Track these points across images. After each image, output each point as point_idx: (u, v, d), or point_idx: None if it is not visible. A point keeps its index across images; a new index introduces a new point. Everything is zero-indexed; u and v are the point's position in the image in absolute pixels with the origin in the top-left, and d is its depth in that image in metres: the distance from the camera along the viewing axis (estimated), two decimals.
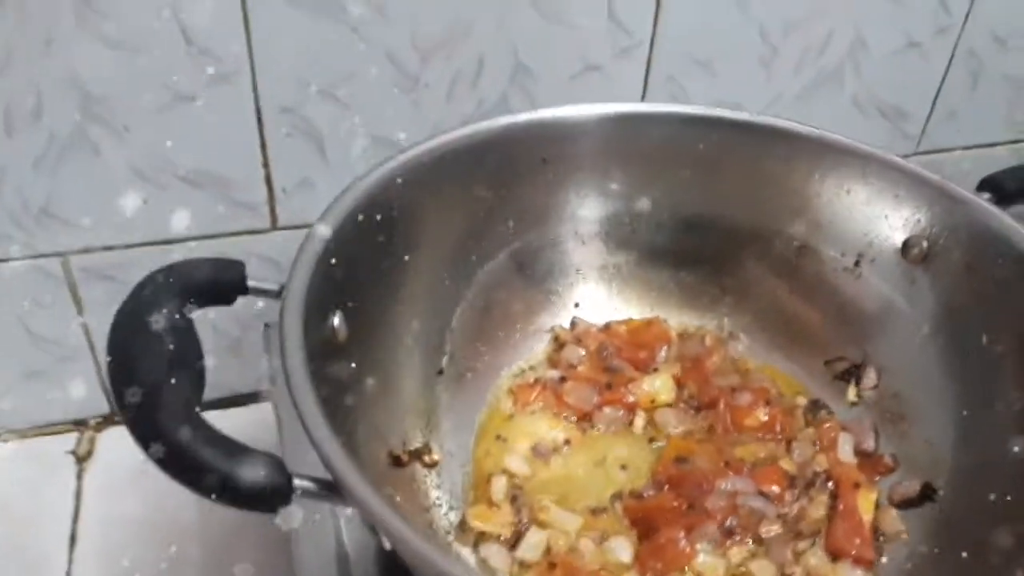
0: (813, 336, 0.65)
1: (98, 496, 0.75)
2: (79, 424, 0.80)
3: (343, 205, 0.51)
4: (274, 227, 0.76)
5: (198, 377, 0.40)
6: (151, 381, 0.37)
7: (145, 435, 0.36)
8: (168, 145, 0.69)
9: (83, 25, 0.61)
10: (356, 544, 0.54)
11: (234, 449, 0.37)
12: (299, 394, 0.39)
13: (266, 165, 0.72)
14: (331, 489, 0.39)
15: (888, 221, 0.62)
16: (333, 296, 0.50)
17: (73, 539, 0.72)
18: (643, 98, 0.79)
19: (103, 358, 0.78)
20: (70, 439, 0.79)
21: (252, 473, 0.37)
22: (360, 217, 0.52)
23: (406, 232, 0.57)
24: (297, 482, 0.39)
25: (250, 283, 0.47)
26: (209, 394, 0.80)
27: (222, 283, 0.46)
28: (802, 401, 0.62)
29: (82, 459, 0.78)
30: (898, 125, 0.89)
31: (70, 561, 0.70)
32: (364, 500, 0.36)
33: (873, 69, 0.84)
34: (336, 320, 0.50)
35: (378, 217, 0.54)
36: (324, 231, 0.47)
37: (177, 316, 0.40)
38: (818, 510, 0.55)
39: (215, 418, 0.70)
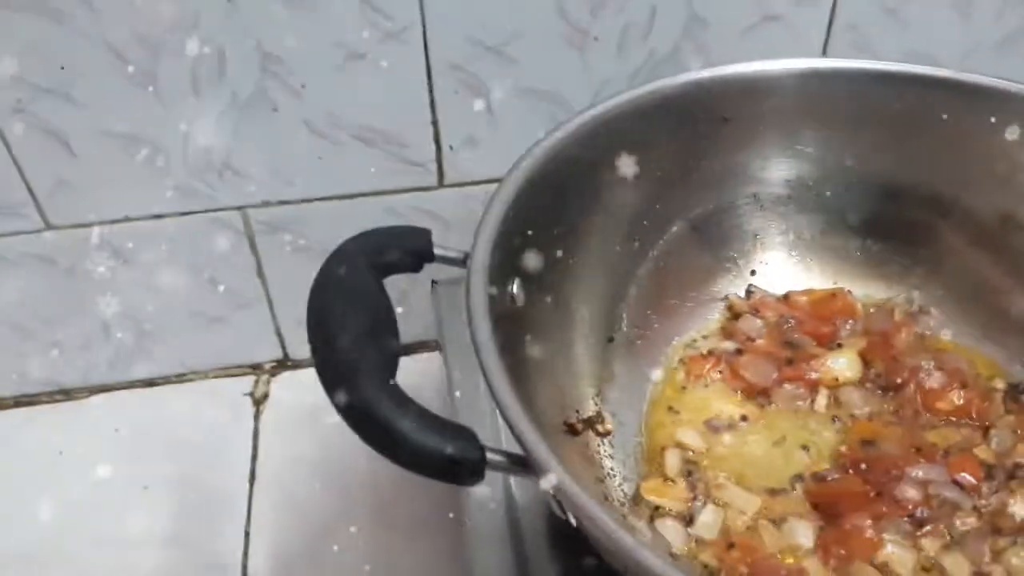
0: (1016, 314, 0.60)
1: (274, 437, 0.79)
2: (255, 368, 0.84)
3: (521, 171, 0.50)
4: (441, 184, 0.76)
5: (394, 349, 0.40)
6: (351, 352, 0.37)
7: (342, 397, 0.37)
8: (342, 103, 0.69)
9: None
10: (527, 507, 0.54)
11: (432, 423, 0.38)
12: (492, 374, 0.39)
13: (435, 123, 0.72)
14: (523, 464, 0.39)
15: None
16: (512, 263, 0.49)
17: (252, 476, 0.76)
18: (824, 50, 0.74)
19: (279, 307, 0.81)
20: (247, 382, 0.83)
21: (450, 447, 0.37)
22: (537, 182, 0.51)
23: (581, 197, 0.55)
24: (490, 456, 0.39)
25: (436, 251, 0.47)
26: None
27: (411, 251, 0.46)
28: (1001, 385, 0.58)
29: (258, 401, 0.82)
30: None
31: (250, 496, 0.74)
32: (561, 482, 0.36)
33: None
34: (515, 287, 0.50)
35: (554, 182, 0.53)
36: (504, 198, 0.46)
37: (373, 283, 0.41)
38: (1020, 506, 0.51)
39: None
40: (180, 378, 0.84)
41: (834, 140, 0.61)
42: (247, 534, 0.72)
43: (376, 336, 0.39)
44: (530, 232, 0.51)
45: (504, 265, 0.48)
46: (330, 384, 0.38)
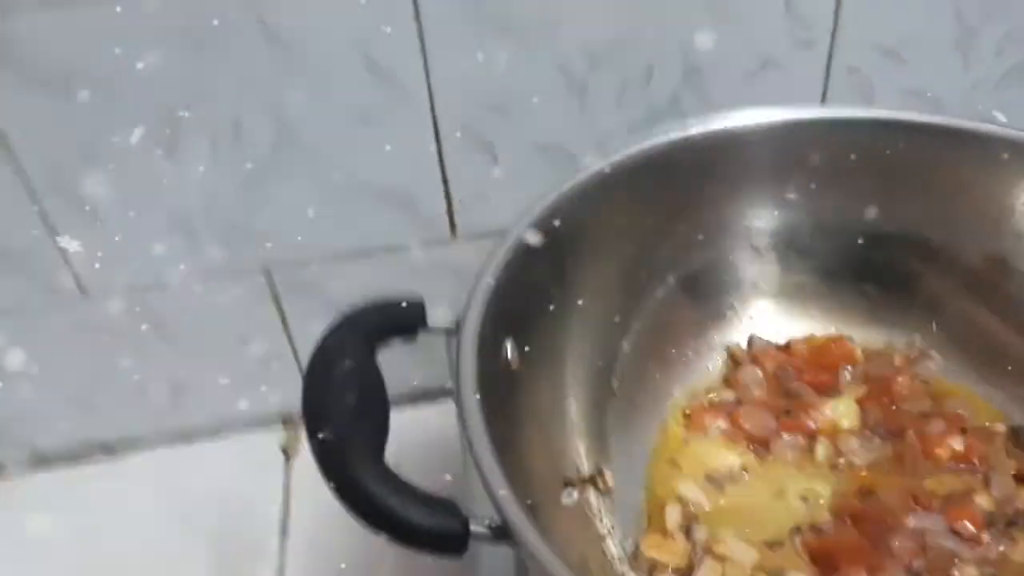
0: (1016, 357, 0.60)
1: (305, 491, 0.81)
2: (286, 422, 0.87)
3: (512, 238, 0.52)
4: (454, 236, 0.78)
5: (383, 424, 0.42)
6: (339, 428, 0.40)
7: (333, 478, 0.39)
8: (355, 163, 0.72)
9: (275, 62, 0.65)
10: None
11: (415, 499, 0.40)
12: (476, 443, 0.41)
13: (445, 180, 0.75)
14: (506, 535, 0.40)
15: None
16: (505, 326, 0.51)
17: (284, 531, 0.78)
18: (824, 93, 0.75)
19: (302, 358, 0.84)
20: (278, 435, 0.86)
21: (429, 520, 0.39)
22: (530, 243, 0.53)
23: (575, 257, 0.57)
24: (474, 528, 0.41)
25: (430, 323, 0.49)
26: (398, 389, 0.87)
27: (403, 324, 0.48)
28: (1002, 428, 0.58)
29: (290, 455, 0.84)
30: None
31: (282, 551, 0.77)
32: (539, 555, 0.37)
33: None
34: (508, 349, 0.51)
35: (547, 243, 0.55)
36: (493, 272, 0.48)
37: (366, 364, 0.43)
38: (1022, 554, 0.51)
39: (408, 414, 0.74)
40: (214, 435, 0.87)
41: (825, 188, 0.62)
42: None
43: (366, 416, 0.41)
44: (524, 293, 0.53)
45: (497, 330, 0.50)
46: (323, 467, 0.40)
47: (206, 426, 0.86)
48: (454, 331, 0.49)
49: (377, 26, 0.66)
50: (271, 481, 0.82)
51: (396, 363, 0.84)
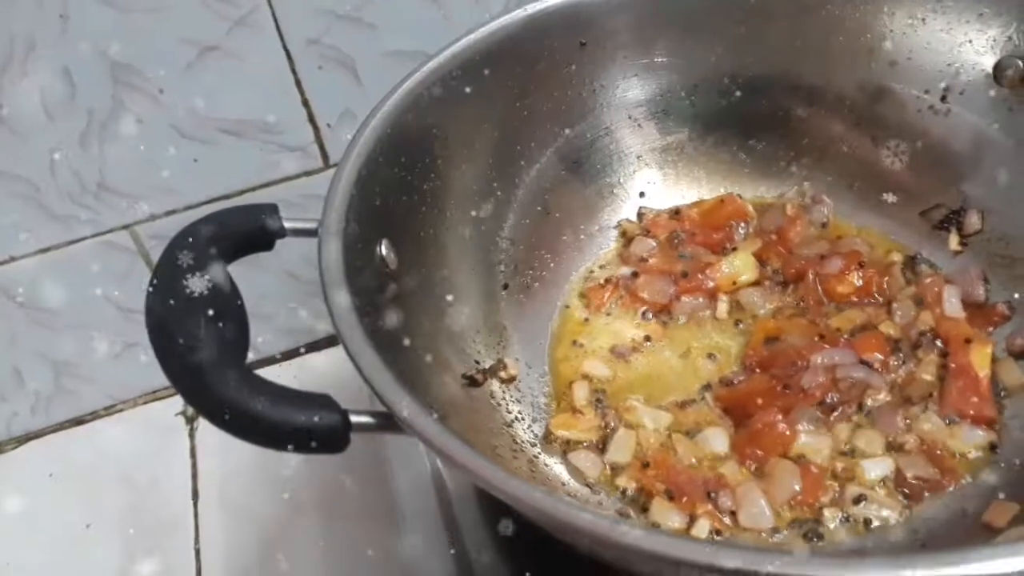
0: (904, 186, 0.59)
1: (211, 452, 0.77)
2: None
3: (370, 132, 0.49)
4: (327, 165, 0.74)
5: (241, 333, 0.39)
6: (192, 349, 0.36)
7: (197, 403, 0.36)
8: (205, 99, 0.67)
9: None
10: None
11: (285, 397, 0.37)
12: (344, 329, 0.38)
13: (306, 104, 0.71)
14: (389, 420, 0.37)
15: (973, 46, 0.55)
16: (375, 226, 0.48)
17: (195, 494, 0.74)
18: None
19: None
20: (177, 402, 0.81)
21: (302, 416, 0.36)
22: (391, 139, 0.50)
23: (444, 146, 0.54)
24: (354, 419, 0.38)
25: (287, 224, 0.45)
26: (300, 340, 0.83)
27: (257, 229, 0.45)
28: (898, 258, 0.57)
29: (191, 419, 0.80)
30: None
31: (196, 515, 0.73)
32: (418, 426, 0.35)
33: None
34: (383, 249, 0.48)
35: (411, 136, 0.52)
36: (352, 167, 0.45)
37: (214, 272, 0.39)
38: (928, 372, 0.51)
39: (309, 362, 0.71)
40: (108, 410, 0.82)
41: (694, 45, 0.60)
42: (198, 552, 0.71)
43: (217, 328, 0.37)
44: (392, 190, 0.50)
45: (365, 229, 0.47)
46: (178, 385, 0.36)
47: (98, 404, 0.81)
48: (314, 232, 0.45)
49: None
50: (176, 449, 0.78)
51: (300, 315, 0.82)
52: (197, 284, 0.39)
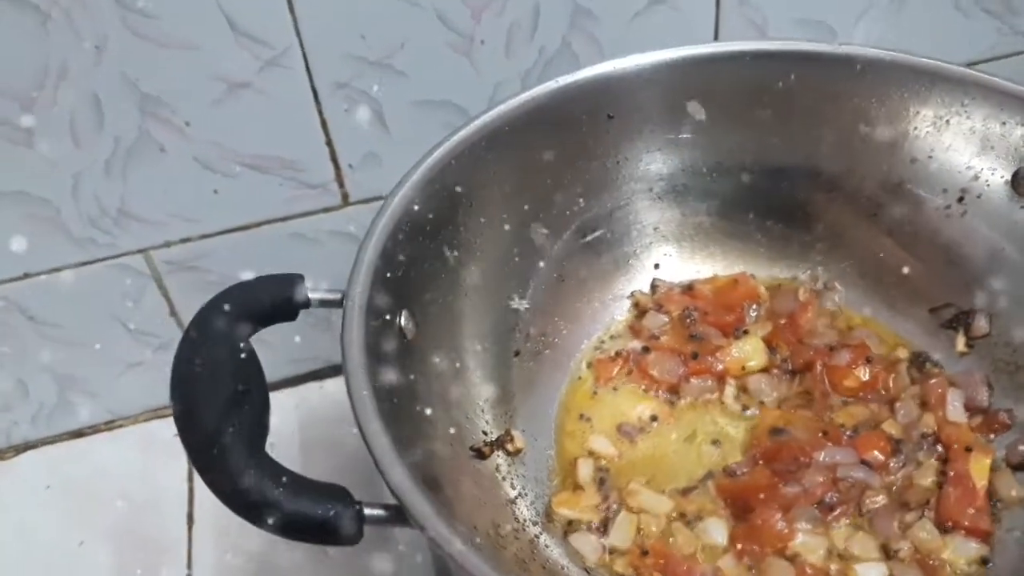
0: (916, 282, 0.60)
1: None
2: None
3: (398, 202, 0.49)
4: (345, 203, 0.75)
5: (263, 411, 0.39)
6: (218, 431, 0.37)
7: (214, 485, 0.36)
8: (230, 134, 0.68)
9: (129, 28, 0.60)
10: None
11: (303, 488, 0.37)
12: (365, 422, 0.39)
13: (329, 143, 0.71)
14: (402, 515, 0.38)
15: (995, 151, 0.56)
16: (397, 296, 0.49)
17: (191, 519, 0.75)
18: (716, 28, 0.73)
19: None
20: None
21: (318, 509, 0.36)
22: (417, 210, 0.50)
23: (468, 215, 0.55)
24: (368, 511, 0.38)
25: (311, 296, 0.46)
26: (301, 368, 0.83)
27: (282, 300, 0.45)
28: (904, 354, 0.58)
29: None
30: (1007, 21, 0.80)
31: (190, 540, 0.73)
32: (435, 532, 0.35)
33: None
34: (403, 319, 0.49)
35: (437, 206, 0.52)
36: (378, 240, 0.46)
37: (240, 348, 0.40)
38: (926, 477, 0.52)
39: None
40: (109, 425, 0.82)
41: (719, 125, 0.60)
42: None
43: (241, 406, 0.38)
44: (415, 260, 0.50)
45: (388, 301, 0.48)
46: (197, 463, 0.37)
47: (99, 419, 0.82)
48: (339, 303, 0.46)
49: None
50: (173, 470, 0.78)
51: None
52: (223, 360, 0.39)
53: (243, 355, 0.40)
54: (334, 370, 0.84)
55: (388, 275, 0.47)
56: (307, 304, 0.46)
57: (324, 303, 0.46)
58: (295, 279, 0.46)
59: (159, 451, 0.80)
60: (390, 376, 0.45)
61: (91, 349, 0.77)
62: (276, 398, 0.82)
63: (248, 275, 0.74)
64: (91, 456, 0.80)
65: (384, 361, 0.45)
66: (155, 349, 0.79)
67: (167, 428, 0.81)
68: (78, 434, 0.82)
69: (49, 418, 0.80)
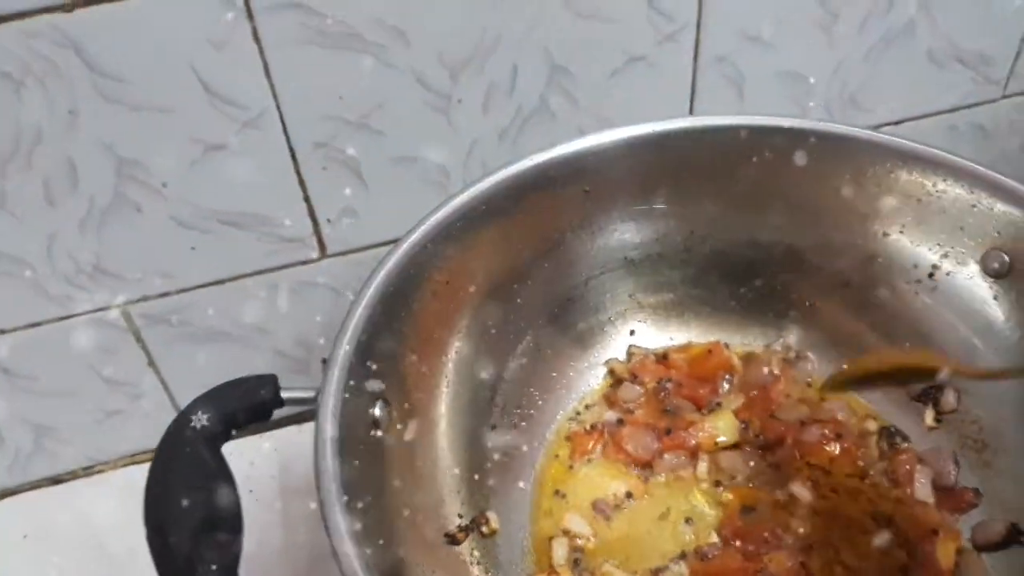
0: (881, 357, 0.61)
1: None
2: None
3: (373, 291, 0.49)
4: (323, 255, 0.75)
5: (233, 536, 0.40)
6: (186, 555, 0.37)
7: None
8: (207, 194, 0.68)
9: (102, 93, 0.60)
10: None
11: None
12: (334, 532, 0.39)
13: (307, 199, 0.71)
14: None
15: (965, 232, 0.57)
16: (371, 389, 0.49)
17: None
18: (693, 85, 0.73)
19: (177, 391, 0.80)
20: None
21: None
22: (391, 298, 0.50)
23: (442, 299, 0.55)
24: None
25: (284, 395, 0.46)
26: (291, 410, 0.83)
27: (256, 403, 0.45)
28: (874, 427, 0.59)
29: None
30: (980, 71, 0.81)
31: None
32: None
33: (949, 16, 0.76)
34: (377, 410, 0.49)
35: (411, 291, 0.53)
36: (351, 336, 0.46)
37: (210, 462, 0.40)
38: (893, 559, 0.52)
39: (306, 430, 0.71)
40: (87, 471, 0.82)
41: (694, 197, 0.61)
42: None
43: (214, 529, 0.38)
44: (386, 351, 0.51)
45: (361, 394, 0.48)
46: None
47: (77, 464, 0.82)
48: (313, 401, 0.46)
49: (215, 50, 0.61)
50: None
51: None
52: (196, 478, 0.39)
53: (218, 469, 0.40)
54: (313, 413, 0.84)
55: (361, 368, 0.48)
56: (280, 404, 0.46)
57: (296, 401, 0.47)
58: (266, 380, 0.46)
59: (139, 496, 0.80)
60: (360, 471, 0.45)
61: (68, 399, 0.77)
62: (254, 442, 0.84)
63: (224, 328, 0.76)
64: (70, 503, 0.80)
65: (357, 456, 0.45)
66: (132, 398, 0.79)
67: (144, 474, 0.81)
68: (56, 480, 0.82)
69: (26, 465, 0.80)
